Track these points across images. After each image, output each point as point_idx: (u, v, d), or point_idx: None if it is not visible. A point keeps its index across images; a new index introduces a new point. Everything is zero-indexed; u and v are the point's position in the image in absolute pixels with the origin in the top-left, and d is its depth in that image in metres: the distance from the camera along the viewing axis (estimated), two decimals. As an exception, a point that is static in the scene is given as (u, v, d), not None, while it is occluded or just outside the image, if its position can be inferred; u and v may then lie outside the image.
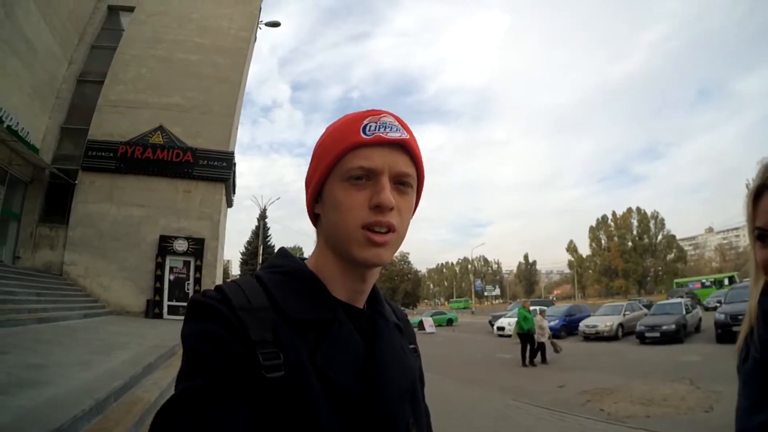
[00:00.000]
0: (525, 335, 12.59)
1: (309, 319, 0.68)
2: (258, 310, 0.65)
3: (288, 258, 0.77)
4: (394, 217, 0.70)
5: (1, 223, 15.79)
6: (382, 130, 0.70)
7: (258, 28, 23.21)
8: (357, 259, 0.70)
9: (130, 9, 20.79)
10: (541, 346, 12.69)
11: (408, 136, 0.72)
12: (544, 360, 12.62)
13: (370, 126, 0.70)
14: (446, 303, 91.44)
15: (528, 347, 12.45)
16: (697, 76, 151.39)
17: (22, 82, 15.56)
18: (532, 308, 14.29)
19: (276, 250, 0.83)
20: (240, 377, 0.59)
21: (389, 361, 0.73)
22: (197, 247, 17.93)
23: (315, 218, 0.78)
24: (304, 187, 0.79)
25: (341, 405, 0.64)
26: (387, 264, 0.71)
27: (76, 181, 17.56)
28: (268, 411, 0.59)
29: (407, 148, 0.72)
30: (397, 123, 0.73)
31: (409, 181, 0.73)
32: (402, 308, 0.95)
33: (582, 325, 19.14)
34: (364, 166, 0.69)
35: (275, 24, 23.62)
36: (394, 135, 0.71)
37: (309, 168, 0.77)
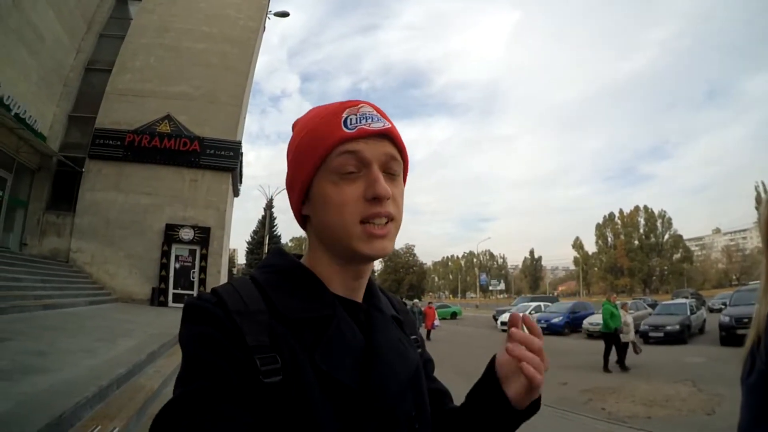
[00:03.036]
0: (611, 335, 10.92)
1: (307, 317, 0.67)
2: (254, 313, 0.64)
3: (283, 256, 0.77)
4: (391, 205, 0.69)
5: (9, 210, 15.88)
6: (363, 121, 0.70)
7: (267, 18, 23.15)
8: (361, 254, 0.69)
9: (138, -3, 20.78)
10: (625, 347, 10.85)
11: (390, 125, 0.72)
12: (623, 364, 10.62)
13: (351, 119, 0.70)
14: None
15: (613, 349, 10.81)
16: (705, 76, 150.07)
17: (29, 71, 15.59)
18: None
19: (276, 245, 0.81)
20: (237, 381, 0.59)
21: (387, 354, 0.72)
22: (203, 236, 17.98)
23: (303, 220, 0.77)
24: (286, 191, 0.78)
25: (341, 403, 0.64)
26: (389, 254, 0.72)
27: (84, 169, 17.61)
28: (267, 415, 0.59)
29: (391, 137, 0.72)
30: (376, 113, 0.72)
31: (397, 168, 0.73)
32: (404, 300, 0.94)
33: (586, 322, 19.14)
34: (354, 159, 0.69)
35: (284, 14, 23.58)
36: (377, 126, 0.70)
37: (288, 171, 0.76)
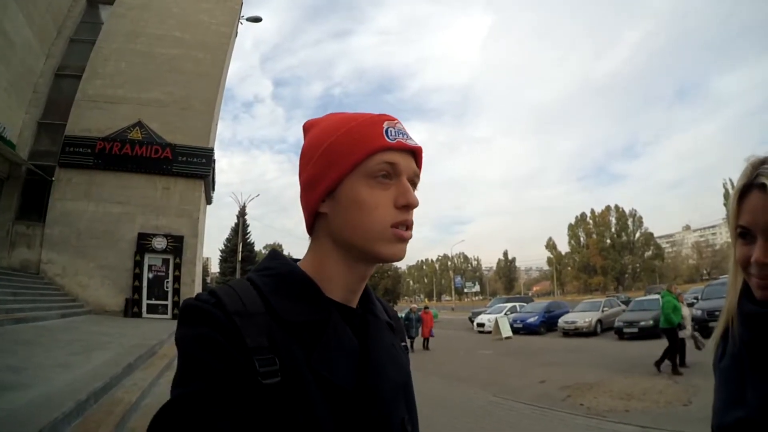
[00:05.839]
0: (672, 331, 9.38)
1: (303, 320, 0.68)
2: (253, 315, 0.64)
3: (279, 260, 0.77)
4: (413, 215, 0.75)
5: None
6: (401, 136, 0.74)
7: (239, 23, 22.96)
8: (383, 256, 0.72)
9: (110, 2, 20.35)
10: (683, 344, 9.49)
11: (420, 146, 0.78)
12: (683, 362, 9.38)
13: (391, 131, 0.74)
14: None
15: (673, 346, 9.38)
16: (677, 74, 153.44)
17: (-2, 77, 15.16)
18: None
19: (268, 250, 0.83)
20: (235, 383, 0.59)
21: (383, 359, 0.74)
22: (176, 245, 17.68)
23: (314, 217, 0.77)
24: (299, 185, 0.78)
25: (338, 405, 0.65)
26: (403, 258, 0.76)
27: (53, 178, 17.14)
28: (265, 417, 0.60)
29: (417, 156, 0.78)
30: (407, 131, 0.77)
31: (417, 183, 0.78)
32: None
33: (561, 321, 19.39)
34: (390, 168, 0.73)
35: (257, 19, 23.35)
36: (411, 143, 0.76)
37: (316, 166, 0.75)
